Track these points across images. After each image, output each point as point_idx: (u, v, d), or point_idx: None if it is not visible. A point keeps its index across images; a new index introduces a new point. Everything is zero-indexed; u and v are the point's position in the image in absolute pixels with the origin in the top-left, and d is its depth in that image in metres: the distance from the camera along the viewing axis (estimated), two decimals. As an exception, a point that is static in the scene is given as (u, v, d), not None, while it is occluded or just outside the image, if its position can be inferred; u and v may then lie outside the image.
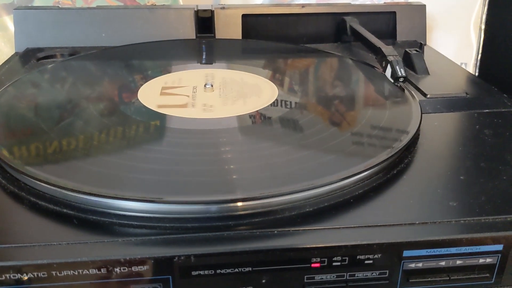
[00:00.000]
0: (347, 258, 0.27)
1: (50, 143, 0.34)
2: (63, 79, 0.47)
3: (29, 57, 0.54)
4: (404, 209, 0.29)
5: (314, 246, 0.27)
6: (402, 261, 0.28)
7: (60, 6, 0.60)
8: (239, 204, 0.28)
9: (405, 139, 0.35)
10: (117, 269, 0.26)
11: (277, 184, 0.30)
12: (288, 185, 0.29)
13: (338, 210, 0.29)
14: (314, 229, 0.28)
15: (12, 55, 0.56)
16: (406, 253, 0.27)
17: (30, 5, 0.61)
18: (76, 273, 0.25)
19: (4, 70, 0.50)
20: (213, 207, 0.28)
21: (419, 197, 0.30)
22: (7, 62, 0.53)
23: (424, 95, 0.45)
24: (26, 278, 0.25)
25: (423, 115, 0.39)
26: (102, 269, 0.26)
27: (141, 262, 0.26)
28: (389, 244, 0.27)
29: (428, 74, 0.49)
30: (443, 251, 0.28)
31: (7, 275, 0.25)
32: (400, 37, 0.62)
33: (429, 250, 0.27)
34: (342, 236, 0.27)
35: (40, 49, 0.56)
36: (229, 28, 0.59)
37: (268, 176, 0.30)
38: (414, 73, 0.49)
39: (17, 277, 0.25)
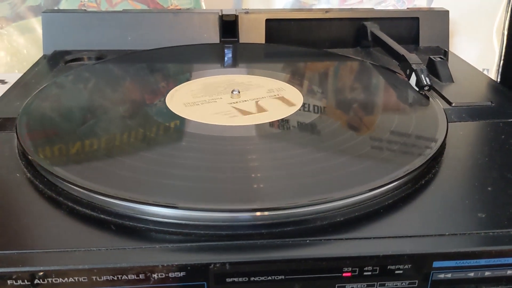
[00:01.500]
0: (378, 268, 0.27)
1: (88, 148, 0.35)
2: (95, 83, 0.47)
3: (57, 60, 0.55)
4: (433, 219, 0.30)
5: (346, 256, 0.27)
6: (432, 272, 0.28)
7: (86, 8, 0.61)
8: (272, 213, 0.29)
9: (434, 148, 0.35)
10: (155, 275, 0.26)
11: (309, 194, 0.30)
12: (320, 195, 0.30)
13: (368, 220, 0.30)
14: (345, 238, 0.28)
15: (40, 58, 0.57)
16: (436, 264, 0.28)
17: (56, 8, 0.62)
18: (115, 278, 0.26)
19: (34, 73, 0.51)
20: (246, 216, 0.29)
21: (448, 207, 0.31)
22: (36, 65, 0.54)
23: (449, 103, 0.45)
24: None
25: (448, 124, 0.39)
26: (140, 275, 0.26)
27: (179, 268, 0.26)
28: (419, 255, 0.27)
29: (453, 81, 0.49)
30: (472, 262, 0.28)
31: (50, 280, 0.26)
32: (423, 42, 0.62)
33: (458, 261, 0.28)
34: (373, 246, 0.28)
35: (67, 52, 0.57)
36: (252, 33, 0.60)
37: (299, 185, 0.31)
38: (439, 81, 0.49)
39: (59, 281, 0.26)
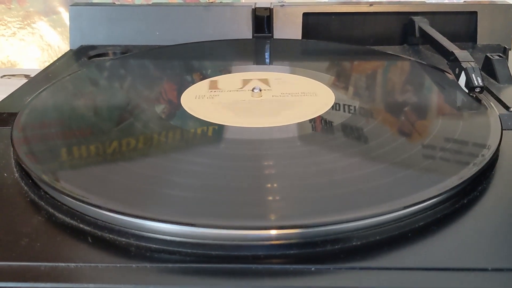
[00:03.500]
0: (399, 307, 0.22)
1: (79, 152, 0.32)
2: (106, 79, 0.45)
3: (81, 54, 0.53)
4: (475, 250, 0.24)
5: (359, 290, 0.22)
6: (469, 316, 0.22)
7: (116, 3, 0.59)
8: (271, 232, 0.24)
9: (481, 160, 0.29)
10: (127, 300, 0.22)
11: (319, 211, 0.25)
12: (333, 213, 0.25)
13: (391, 246, 0.24)
14: (360, 268, 0.23)
15: (66, 52, 0.55)
16: (475, 307, 0.22)
17: (88, 1, 0.60)
18: (83, 301, 0.22)
19: (53, 68, 0.49)
20: (241, 234, 0.24)
21: (495, 236, 0.25)
22: (58, 59, 0.52)
23: (507, 108, 0.38)
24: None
25: (503, 131, 0.33)
26: (110, 299, 0.22)
27: (154, 294, 0.22)
28: (453, 294, 0.22)
29: (513, 83, 0.42)
30: (522, 307, 0.22)
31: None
32: (481, 40, 0.55)
33: (504, 304, 0.22)
34: (395, 279, 0.22)
35: (93, 47, 0.55)
36: (288, 28, 0.55)
37: (308, 200, 0.26)
38: (496, 82, 0.43)
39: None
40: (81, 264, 0.23)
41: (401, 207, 0.25)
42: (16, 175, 0.31)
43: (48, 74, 0.47)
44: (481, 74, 0.38)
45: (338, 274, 0.23)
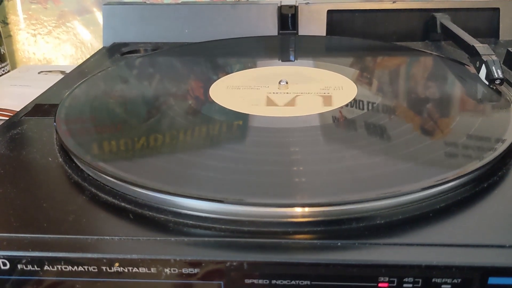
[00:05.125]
0: (420, 280, 0.23)
1: (116, 136, 0.34)
2: (138, 74, 0.47)
3: (114, 51, 0.56)
4: (493, 228, 0.25)
5: (382, 263, 0.24)
6: (487, 289, 0.24)
7: (147, 2, 0.61)
8: (300, 209, 0.26)
9: (501, 146, 0.30)
10: (167, 270, 0.24)
11: (345, 191, 0.27)
12: (358, 193, 0.27)
13: (413, 224, 0.26)
14: (383, 244, 0.24)
15: (99, 50, 0.58)
16: (492, 280, 0.23)
17: (120, 1, 0.62)
18: (126, 270, 0.24)
19: (89, 64, 0.52)
20: (271, 211, 0.26)
21: (512, 216, 0.26)
22: (93, 56, 0.55)
23: (527, 100, 0.39)
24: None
25: (524, 122, 0.34)
26: (152, 268, 0.24)
27: (192, 264, 0.24)
28: (471, 267, 0.23)
29: (534, 76, 0.43)
30: (537, 281, 0.23)
31: (59, 267, 0.25)
32: (504, 36, 0.56)
33: (520, 279, 0.23)
34: (416, 253, 0.24)
35: (125, 44, 0.58)
36: (313, 25, 0.57)
37: (336, 181, 0.28)
38: (517, 75, 0.44)
39: (68, 268, 0.25)
40: (124, 237, 0.25)
41: (420, 189, 0.27)
42: (60, 159, 0.33)
43: (84, 70, 0.50)
44: (501, 66, 0.39)
45: (362, 249, 0.24)
